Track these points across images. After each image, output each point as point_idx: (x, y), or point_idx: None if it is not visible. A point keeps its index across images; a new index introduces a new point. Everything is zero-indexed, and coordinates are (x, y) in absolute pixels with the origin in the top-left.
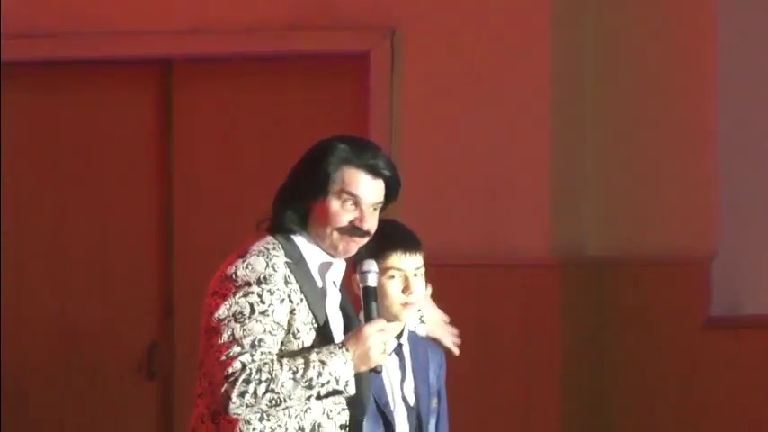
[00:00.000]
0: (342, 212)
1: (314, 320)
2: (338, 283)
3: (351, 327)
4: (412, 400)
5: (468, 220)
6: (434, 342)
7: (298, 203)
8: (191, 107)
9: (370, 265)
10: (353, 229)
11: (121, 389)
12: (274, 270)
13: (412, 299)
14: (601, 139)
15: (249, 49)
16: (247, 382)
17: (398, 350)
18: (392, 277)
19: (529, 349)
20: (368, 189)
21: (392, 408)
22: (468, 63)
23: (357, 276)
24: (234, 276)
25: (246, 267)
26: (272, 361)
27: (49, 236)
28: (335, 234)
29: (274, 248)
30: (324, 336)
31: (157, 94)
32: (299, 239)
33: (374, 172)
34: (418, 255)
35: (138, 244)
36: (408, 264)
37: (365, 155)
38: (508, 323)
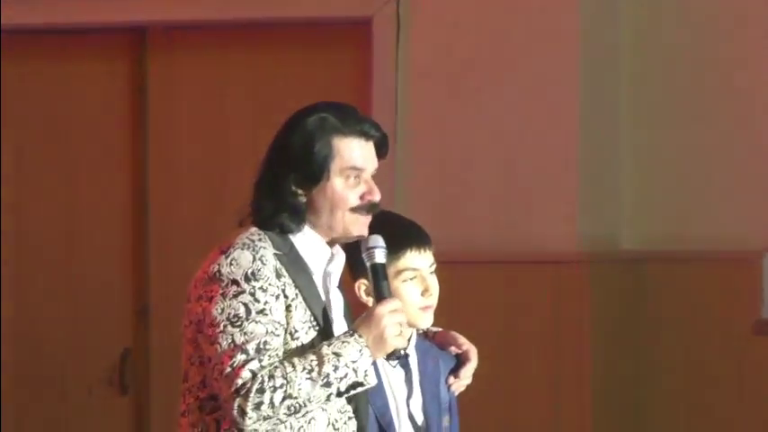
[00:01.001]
0: (349, 190)
1: (312, 318)
2: (336, 281)
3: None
4: (420, 419)
5: (486, 210)
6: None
7: (292, 198)
8: (168, 81)
9: (377, 240)
10: (368, 206)
11: (89, 404)
12: (263, 263)
13: (431, 301)
14: (636, 120)
15: (235, 14)
16: (261, 391)
17: (404, 362)
18: (409, 279)
19: (556, 353)
20: (367, 156)
21: (396, 428)
22: (485, 31)
23: (363, 255)
24: (218, 275)
25: (231, 264)
26: (282, 363)
27: (7, 225)
28: (348, 216)
29: (261, 239)
30: (325, 336)
31: (130, 66)
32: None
33: (365, 135)
34: (430, 251)
35: (109, 236)
36: (424, 262)
37: (350, 119)
38: (533, 324)
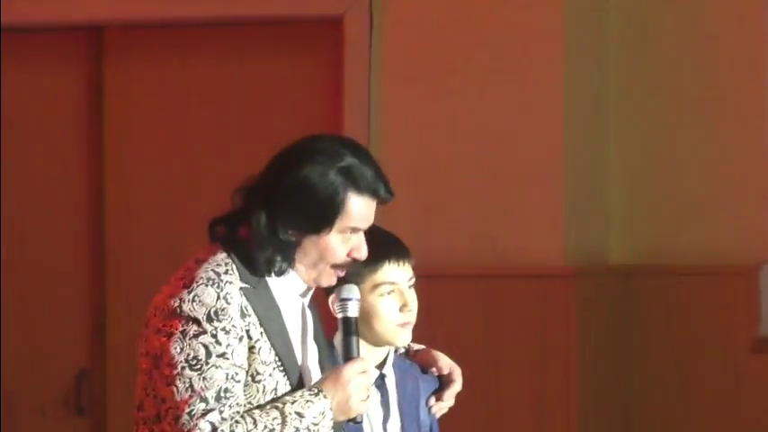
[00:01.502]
0: (340, 246)
1: (277, 359)
2: (307, 302)
3: (322, 360)
4: None
5: (466, 221)
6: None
7: (283, 236)
8: (126, 83)
9: (352, 292)
10: (351, 263)
11: (43, 427)
12: (227, 302)
13: (410, 317)
14: (626, 127)
15: (197, 12)
16: None
17: (380, 383)
18: (387, 293)
19: (541, 371)
20: (370, 216)
21: None
22: (463, 29)
23: (334, 306)
24: (179, 311)
25: (193, 300)
26: (244, 418)
27: None
28: (328, 270)
29: (227, 272)
30: (290, 377)
31: (86, 66)
32: None
33: (377, 196)
34: (410, 264)
35: (63, 246)
36: (402, 275)
37: (369, 176)
38: (517, 342)
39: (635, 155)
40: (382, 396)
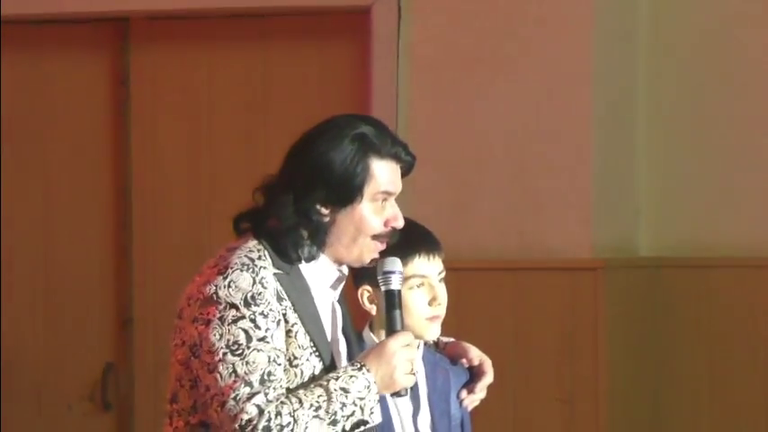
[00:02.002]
0: (375, 215)
1: (312, 345)
2: (337, 296)
3: (352, 354)
4: None
5: (495, 214)
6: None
7: (314, 216)
8: (152, 74)
9: (394, 264)
10: (390, 232)
11: (69, 422)
12: (263, 287)
13: (440, 310)
14: (654, 120)
15: (223, 3)
16: (268, 429)
17: None
18: (416, 286)
19: (570, 364)
20: (398, 180)
21: None
22: (492, 19)
23: (378, 278)
24: (215, 298)
25: (229, 286)
26: (289, 399)
27: None
28: (368, 242)
29: (260, 257)
30: (326, 363)
31: (112, 58)
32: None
33: (399, 159)
34: (440, 257)
35: (89, 242)
36: (433, 269)
37: (387, 140)
38: (546, 335)
39: (664, 147)
40: (412, 389)
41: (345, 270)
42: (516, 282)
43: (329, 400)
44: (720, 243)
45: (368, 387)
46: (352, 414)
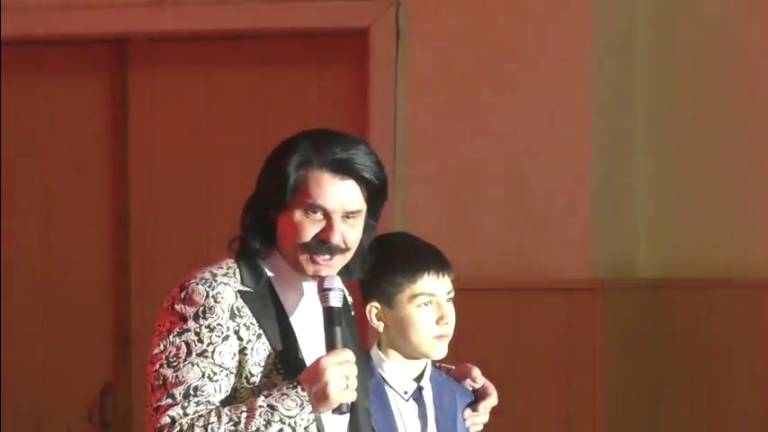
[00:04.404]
0: (306, 225)
1: (276, 360)
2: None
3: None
4: None
5: (493, 234)
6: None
7: (263, 216)
8: (150, 96)
9: (332, 282)
10: (319, 245)
11: None
12: (215, 301)
13: (447, 330)
14: (655, 139)
15: (222, 25)
16: None
17: (418, 395)
18: (424, 305)
19: (569, 385)
20: (335, 194)
21: None
22: (491, 41)
23: (318, 295)
24: (170, 309)
25: (184, 299)
26: (210, 412)
27: None
28: (300, 252)
29: (226, 274)
30: (291, 380)
31: (110, 79)
32: (267, 261)
33: (343, 171)
34: (449, 277)
35: (88, 262)
36: (441, 288)
37: (329, 150)
38: (544, 356)
39: (663, 167)
40: (419, 409)
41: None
42: (515, 302)
43: (251, 416)
44: (720, 263)
45: (300, 405)
46: (280, 431)
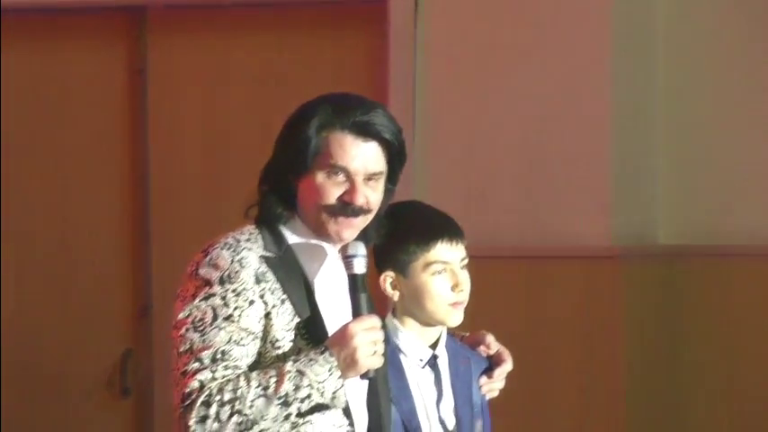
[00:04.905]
0: (329, 188)
1: (301, 325)
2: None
3: None
4: (451, 424)
5: (512, 202)
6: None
7: (282, 181)
8: (168, 64)
9: (357, 248)
10: (343, 207)
11: (89, 408)
12: (241, 266)
13: (462, 297)
14: (675, 103)
15: None
16: (207, 404)
17: (433, 363)
18: (438, 273)
19: (588, 354)
20: (358, 156)
21: None
22: (509, 8)
23: (342, 262)
24: (195, 275)
25: (208, 264)
26: (239, 376)
27: (1, 220)
28: (323, 215)
29: (249, 239)
30: (317, 343)
31: (128, 47)
32: (288, 227)
33: (365, 133)
34: (462, 244)
35: (108, 228)
36: (455, 255)
37: (351, 112)
38: (563, 324)
39: (682, 134)
40: (435, 376)
41: (357, 249)
42: (533, 270)
43: (280, 381)
44: (739, 231)
45: (329, 371)
46: (308, 397)
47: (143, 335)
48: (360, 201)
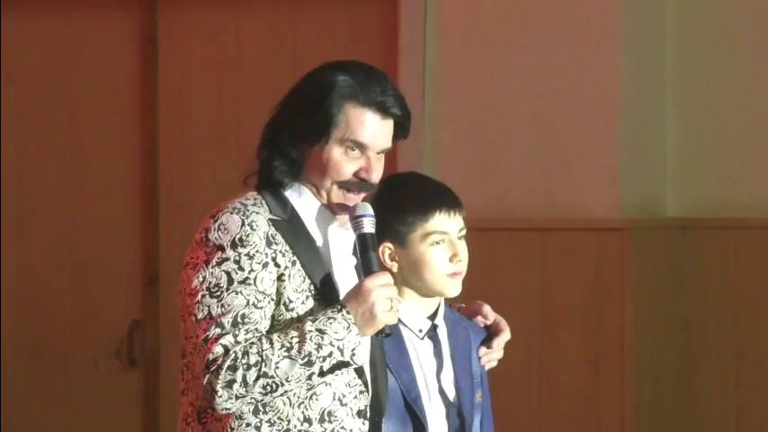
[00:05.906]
0: (345, 162)
1: (312, 286)
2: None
3: None
4: (452, 395)
5: (521, 173)
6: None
7: (289, 149)
8: (180, 33)
9: (365, 209)
10: (359, 183)
11: (96, 379)
12: (252, 229)
13: (460, 267)
14: (683, 78)
15: None
16: (234, 368)
17: (433, 334)
18: (436, 243)
19: (596, 326)
20: (377, 133)
21: (426, 403)
22: None
23: (350, 223)
24: (205, 241)
25: (219, 228)
26: (260, 339)
27: (7, 189)
28: (335, 188)
29: (255, 204)
30: (328, 304)
31: (139, 16)
32: (291, 191)
33: (383, 110)
34: (461, 215)
35: (116, 199)
36: (453, 226)
37: (372, 89)
38: (571, 296)
39: (692, 106)
40: (435, 347)
41: (333, 216)
42: (543, 242)
43: (302, 341)
44: (748, 204)
45: (347, 328)
46: (330, 355)
47: (151, 305)
48: (374, 178)
